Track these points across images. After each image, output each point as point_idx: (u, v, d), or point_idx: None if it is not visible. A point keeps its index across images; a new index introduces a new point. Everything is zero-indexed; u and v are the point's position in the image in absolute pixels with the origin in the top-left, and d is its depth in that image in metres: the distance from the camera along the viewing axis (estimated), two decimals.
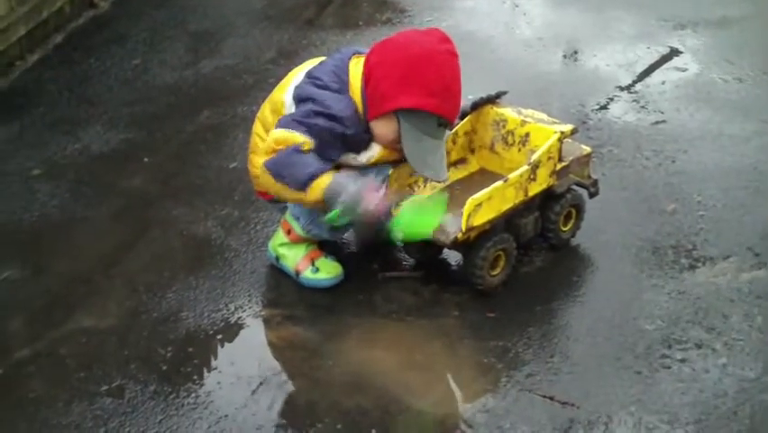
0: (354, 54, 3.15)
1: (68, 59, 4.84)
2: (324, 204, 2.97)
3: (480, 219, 3.02)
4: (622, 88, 4.38)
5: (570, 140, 3.25)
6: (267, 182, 3.05)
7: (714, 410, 2.70)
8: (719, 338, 2.95)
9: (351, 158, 3.10)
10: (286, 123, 3.03)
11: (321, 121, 2.99)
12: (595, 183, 3.37)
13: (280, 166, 2.99)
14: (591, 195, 3.38)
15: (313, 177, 2.95)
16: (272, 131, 3.04)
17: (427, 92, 3.00)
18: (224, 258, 3.40)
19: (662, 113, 4.18)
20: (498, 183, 3.04)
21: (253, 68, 4.71)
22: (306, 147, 2.97)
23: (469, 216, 2.98)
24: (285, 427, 2.71)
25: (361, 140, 3.10)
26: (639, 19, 5.10)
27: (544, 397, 2.76)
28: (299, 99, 3.08)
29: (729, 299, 3.10)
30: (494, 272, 3.14)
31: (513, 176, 3.07)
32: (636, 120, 4.13)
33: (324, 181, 2.95)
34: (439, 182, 3.21)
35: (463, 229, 2.98)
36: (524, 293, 3.18)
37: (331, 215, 2.97)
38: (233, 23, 5.27)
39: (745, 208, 3.54)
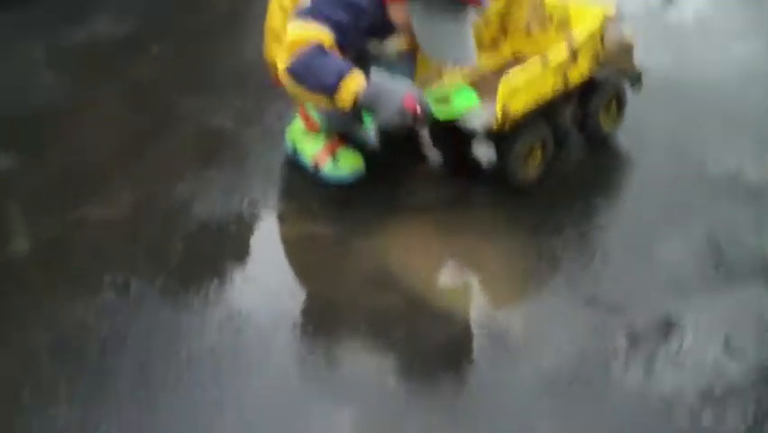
0: None
1: None
2: (354, 107, 2.70)
3: (517, 106, 2.77)
4: None
5: (612, 27, 2.97)
6: (290, 86, 2.79)
7: None
8: None
9: (375, 45, 2.84)
10: (304, 14, 2.74)
11: (341, 12, 2.72)
12: (638, 76, 3.11)
13: (303, 68, 2.70)
14: (635, 89, 3.12)
15: (341, 78, 2.66)
16: (290, 24, 2.76)
17: None
18: (237, 150, 3.18)
19: None
20: (537, 65, 2.79)
21: None
22: (327, 43, 2.69)
23: (505, 101, 2.73)
24: (304, 326, 2.49)
25: (384, 27, 2.83)
26: None
27: (586, 299, 2.52)
28: None
29: None
30: (530, 166, 2.90)
31: (553, 58, 2.81)
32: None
33: (354, 84, 2.66)
34: (464, 66, 2.93)
35: (498, 116, 2.73)
36: (560, 192, 2.94)
37: (365, 120, 2.73)
38: None
39: None
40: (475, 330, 2.45)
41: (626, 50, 3.04)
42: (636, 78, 3.09)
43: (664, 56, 3.55)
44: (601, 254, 2.68)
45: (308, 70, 2.69)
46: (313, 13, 2.72)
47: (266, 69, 3.15)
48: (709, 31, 3.75)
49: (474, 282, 2.67)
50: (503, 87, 2.72)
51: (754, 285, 2.53)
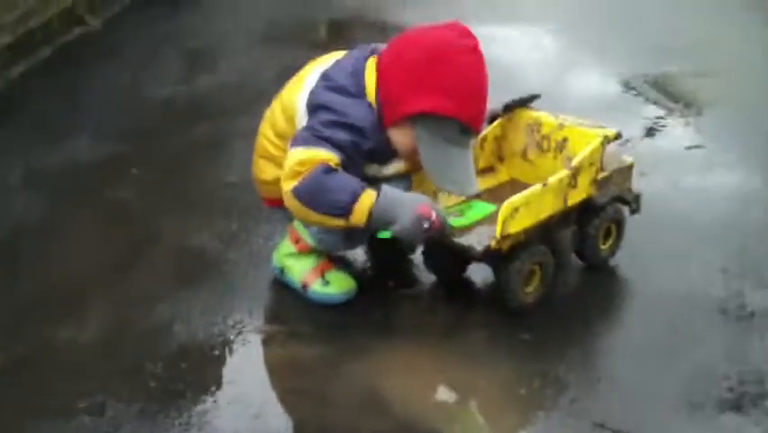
0: (372, 52, 2.81)
1: (56, 71, 4.52)
2: (369, 223, 2.61)
3: (517, 226, 2.67)
4: None
5: (610, 149, 2.91)
6: (296, 209, 2.66)
7: None
8: None
9: (374, 169, 2.76)
10: (304, 139, 2.65)
11: (342, 134, 2.64)
12: (637, 198, 3.03)
13: (313, 191, 2.60)
14: (633, 211, 3.04)
15: (355, 198, 2.58)
16: (291, 150, 2.66)
17: (445, 93, 2.65)
18: (221, 272, 3.04)
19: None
20: (537, 187, 2.71)
21: (254, 84, 4.36)
22: (334, 163, 2.61)
23: (504, 221, 2.63)
24: None
25: (385, 151, 2.75)
26: None
27: (595, 424, 2.38)
28: (313, 107, 2.72)
29: None
30: (528, 289, 2.79)
31: (553, 180, 2.74)
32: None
33: (369, 199, 2.58)
34: (465, 196, 2.86)
35: (498, 235, 2.63)
36: (560, 315, 2.82)
37: (383, 234, 2.63)
38: (232, 42, 4.98)
39: None
40: None
41: (624, 171, 2.97)
42: (634, 201, 3.01)
43: (659, 180, 3.47)
44: (608, 377, 2.54)
45: (318, 191, 2.60)
46: (314, 137, 2.64)
47: (251, 191, 3.07)
48: (703, 158, 3.70)
49: (472, 408, 2.52)
50: (504, 207, 2.63)
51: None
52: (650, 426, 2.38)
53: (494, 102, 2.93)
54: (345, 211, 2.59)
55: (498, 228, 2.63)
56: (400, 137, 2.71)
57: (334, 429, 2.39)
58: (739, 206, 3.36)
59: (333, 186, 2.59)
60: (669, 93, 4.23)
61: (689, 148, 3.78)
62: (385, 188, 2.62)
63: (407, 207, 2.58)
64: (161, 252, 3.16)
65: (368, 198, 2.59)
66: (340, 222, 2.62)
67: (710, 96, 4.19)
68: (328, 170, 2.60)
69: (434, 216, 2.57)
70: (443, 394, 2.55)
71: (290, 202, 2.66)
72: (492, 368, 2.62)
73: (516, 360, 2.63)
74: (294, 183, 2.62)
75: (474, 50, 2.69)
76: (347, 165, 2.64)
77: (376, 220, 2.59)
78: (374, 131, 2.69)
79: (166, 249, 3.17)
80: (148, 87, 4.40)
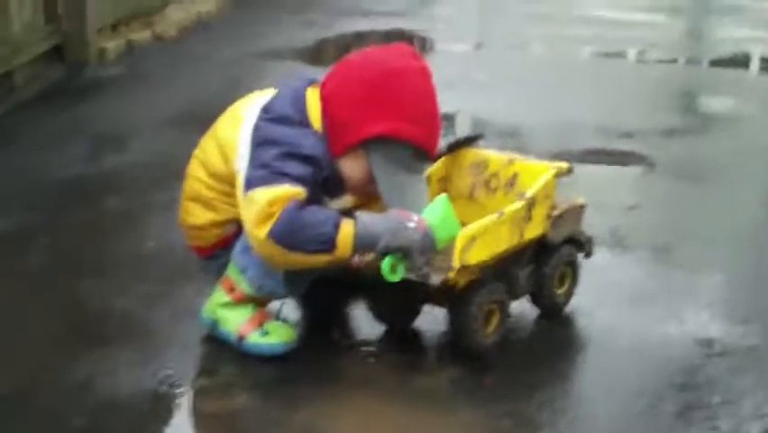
0: (311, 83, 2.64)
1: None
2: (356, 253, 2.43)
3: (474, 257, 2.48)
4: None
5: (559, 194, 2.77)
6: (274, 254, 2.42)
7: None
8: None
9: (324, 202, 2.56)
10: (263, 178, 2.44)
11: (299, 166, 2.45)
12: (589, 240, 2.88)
13: (292, 231, 2.38)
14: (586, 254, 2.88)
15: (337, 228, 2.39)
16: (249, 192, 2.43)
17: (399, 116, 2.49)
18: (146, 330, 2.76)
19: None
20: (493, 216, 2.53)
21: (167, 162, 4.10)
22: (302, 198, 2.41)
23: (462, 250, 2.44)
24: None
25: (336, 183, 2.56)
26: None
27: None
28: (259, 142, 2.52)
29: None
30: (488, 330, 2.58)
31: (508, 210, 2.57)
32: None
33: (349, 229, 2.39)
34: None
35: (456, 265, 2.43)
36: (521, 357, 2.62)
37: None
38: (142, 126, 4.77)
39: None
40: None
41: (576, 211, 2.82)
42: (587, 243, 2.86)
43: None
44: (583, 417, 2.34)
45: (297, 229, 2.38)
46: (272, 174, 2.43)
47: (172, 254, 2.84)
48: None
49: None
50: (460, 237, 2.44)
51: None
52: None
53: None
54: (330, 244, 2.39)
55: (456, 258, 2.44)
56: (352, 166, 2.53)
57: None
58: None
59: (311, 221, 2.39)
60: None
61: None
62: (359, 213, 2.44)
63: (387, 218, 2.41)
64: (78, 314, 2.87)
65: (348, 225, 2.40)
66: (325, 257, 2.41)
67: None
68: (300, 206, 2.39)
69: (415, 217, 2.40)
70: None
71: (267, 249, 2.42)
72: (456, 412, 2.38)
73: (480, 403, 2.40)
74: (267, 228, 2.39)
75: (423, 72, 2.55)
76: (310, 199, 2.44)
77: (361, 244, 2.39)
78: (326, 161, 2.51)
79: (83, 312, 2.88)
80: (54, 168, 4.14)
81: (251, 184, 2.45)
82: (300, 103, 2.56)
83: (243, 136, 2.56)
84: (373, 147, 2.51)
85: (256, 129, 2.54)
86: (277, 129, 2.52)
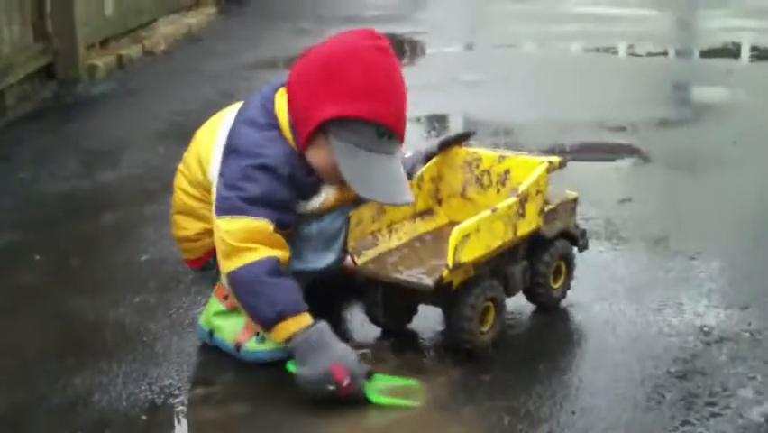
0: (282, 85, 2.61)
1: None
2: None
3: (469, 255, 2.46)
4: None
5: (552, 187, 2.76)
6: (229, 288, 2.47)
7: None
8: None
9: (302, 206, 2.54)
10: (231, 207, 2.43)
11: (256, 186, 2.43)
12: (583, 234, 2.87)
13: (247, 291, 2.41)
14: (581, 248, 2.87)
15: (280, 318, 2.39)
16: (219, 219, 2.44)
17: (352, 95, 2.42)
18: (142, 342, 2.75)
19: None
20: (486, 213, 2.52)
21: (159, 175, 4.11)
22: (268, 232, 2.41)
23: (456, 248, 2.42)
24: None
25: (310, 183, 2.54)
26: None
27: None
28: (226, 151, 2.53)
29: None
30: (484, 328, 2.56)
31: (502, 206, 2.55)
32: None
33: (294, 327, 2.39)
34: (398, 206, 2.62)
35: (451, 263, 2.42)
36: (519, 353, 2.60)
37: (290, 367, 2.41)
38: (133, 141, 4.77)
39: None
40: None
41: (568, 205, 2.81)
42: (581, 237, 2.85)
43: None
44: (584, 409, 2.32)
45: (250, 293, 2.42)
46: (240, 200, 2.42)
47: (167, 265, 2.84)
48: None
49: None
50: (455, 234, 2.42)
51: None
52: None
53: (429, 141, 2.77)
54: (268, 325, 2.41)
55: (450, 256, 2.42)
56: (319, 156, 2.49)
57: None
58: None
59: (266, 294, 2.40)
60: None
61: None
62: (322, 326, 2.40)
63: (324, 358, 2.34)
64: (73, 328, 2.86)
65: (295, 324, 2.39)
66: (260, 328, 2.46)
67: None
68: (272, 271, 2.39)
69: (345, 382, 2.32)
70: None
71: (225, 280, 2.46)
72: (451, 411, 2.36)
73: (480, 399, 2.39)
74: (233, 266, 2.41)
75: (382, 50, 2.48)
76: (281, 218, 2.44)
77: (292, 348, 2.40)
78: (291, 162, 2.48)
79: (78, 326, 2.87)
80: (47, 184, 4.15)
81: (220, 208, 2.46)
82: (269, 104, 2.55)
83: (219, 143, 2.57)
84: (333, 131, 2.45)
85: (230, 132, 2.55)
86: (243, 136, 2.51)
